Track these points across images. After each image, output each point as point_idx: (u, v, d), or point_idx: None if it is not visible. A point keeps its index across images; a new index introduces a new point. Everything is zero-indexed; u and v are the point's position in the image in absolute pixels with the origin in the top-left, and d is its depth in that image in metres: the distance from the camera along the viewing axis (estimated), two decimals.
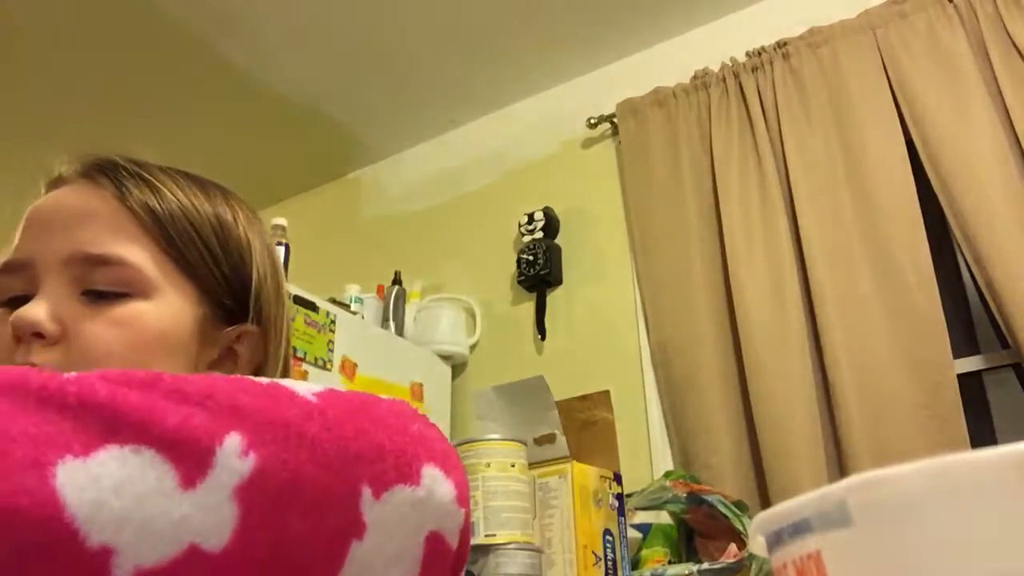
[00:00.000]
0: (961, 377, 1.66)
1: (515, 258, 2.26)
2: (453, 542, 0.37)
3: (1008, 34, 1.74)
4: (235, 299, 0.59)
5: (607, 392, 1.87)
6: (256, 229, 0.63)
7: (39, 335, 0.51)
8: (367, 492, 0.33)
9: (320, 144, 2.69)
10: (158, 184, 0.58)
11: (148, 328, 0.53)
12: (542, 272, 2.18)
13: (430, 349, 2.21)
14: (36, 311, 0.51)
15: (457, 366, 2.29)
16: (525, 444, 1.34)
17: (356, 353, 1.93)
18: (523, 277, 2.22)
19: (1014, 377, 1.73)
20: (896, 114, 1.83)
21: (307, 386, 0.37)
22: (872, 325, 1.69)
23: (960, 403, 1.59)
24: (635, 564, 1.51)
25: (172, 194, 0.58)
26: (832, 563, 0.24)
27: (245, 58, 2.33)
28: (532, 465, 1.37)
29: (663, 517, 1.63)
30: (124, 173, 0.57)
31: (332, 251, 2.64)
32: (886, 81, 1.86)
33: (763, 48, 2.03)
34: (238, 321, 0.59)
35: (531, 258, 2.20)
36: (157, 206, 0.57)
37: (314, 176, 2.86)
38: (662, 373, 1.94)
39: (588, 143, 2.34)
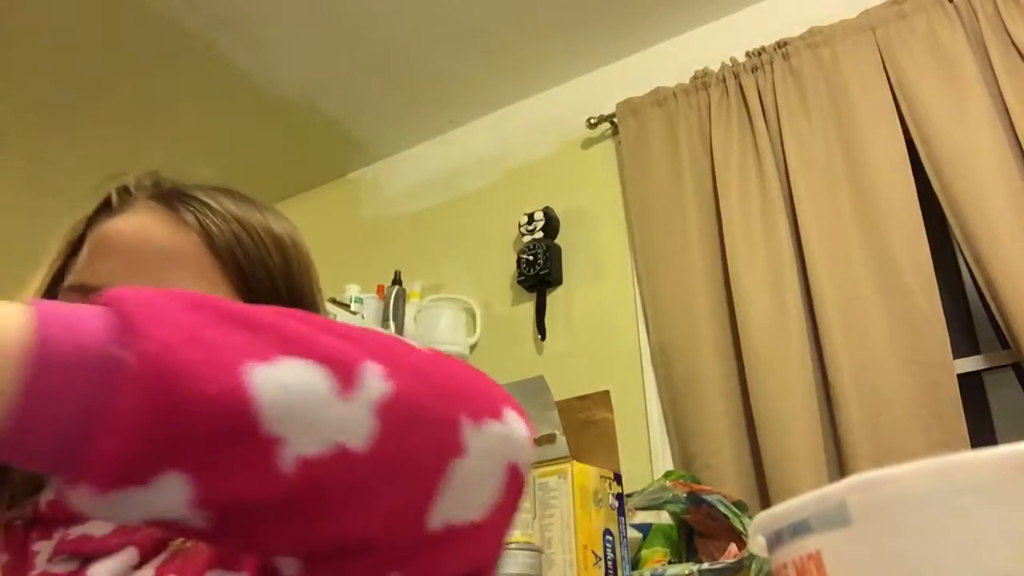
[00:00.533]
0: (961, 377, 1.66)
1: (515, 258, 2.26)
2: (524, 474, 0.43)
3: (1008, 34, 1.74)
4: None
5: (607, 392, 1.86)
6: (307, 258, 0.66)
7: None
8: (467, 422, 0.39)
9: (320, 144, 2.69)
10: (240, 225, 0.60)
11: None
12: (542, 272, 2.18)
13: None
14: None
15: None
16: None
17: None
18: (523, 277, 2.22)
19: (1014, 377, 1.73)
20: (896, 114, 1.83)
21: (417, 343, 0.45)
22: (872, 325, 1.69)
23: (960, 403, 1.59)
24: (635, 564, 1.51)
25: (251, 237, 0.61)
26: (832, 563, 0.24)
27: (244, 58, 2.33)
28: (532, 465, 1.37)
29: (663, 517, 1.63)
30: (208, 211, 0.59)
31: (332, 251, 2.63)
32: (886, 81, 1.86)
33: (763, 48, 2.03)
34: None
35: (531, 258, 2.20)
36: (240, 252, 0.59)
37: (314, 176, 2.86)
38: (662, 373, 1.94)
39: (588, 143, 2.34)
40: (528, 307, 2.24)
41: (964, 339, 1.79)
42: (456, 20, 2.22)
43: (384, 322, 2.23)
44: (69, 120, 2.52)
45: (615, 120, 2.24)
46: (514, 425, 0.43)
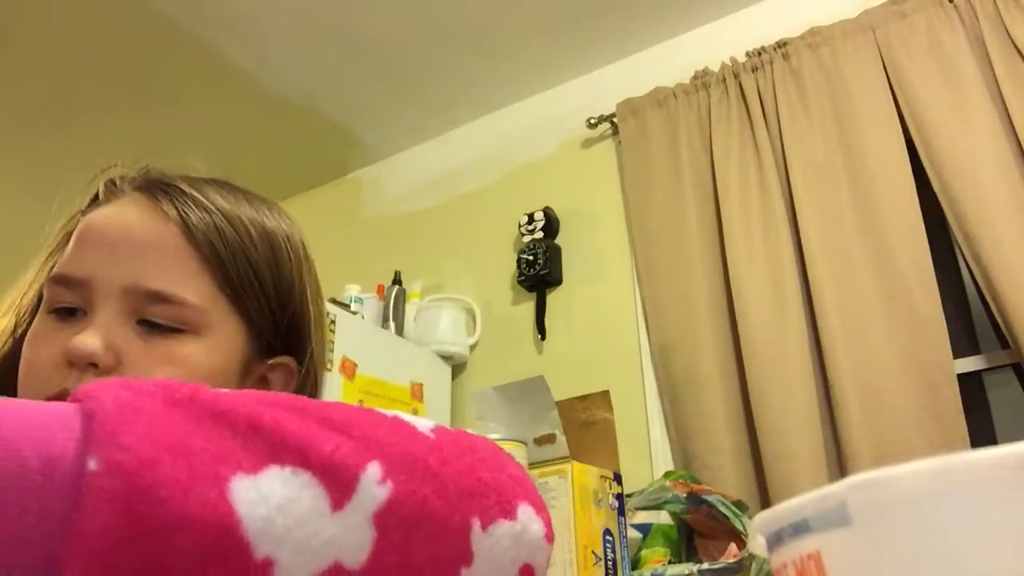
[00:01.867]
0: (961, 377, 1.66)
1: (515, 258, 2.26)
2: (541, 572, 0.40)
3: (1008, 34, 1.74)
4: (277, 333, 0.61)
5: (607, 392, 1.86)
6: (303, 255, 0.64)
7: (94, 365, 0.52)
8: (476, 524, 0.36)
9: (320, 144, 2.69)
10: (223, 217, 0.59)
11: (200, 367, 0.55)
12: (542, 272, 2.18)
13: (430, 349, 2.21)
14: (94, 342, 0.52)
15: (457, 366, 2.29)
16: (525, 444, 1.34)
17: (356, 353, 1.93)
18: (523, 277, 2.22)
19: (1014, 377, 1.73)
20: (896, 114, 1.83)
21: (421, 421, 0.40)
22: (872, 325, 1.69)
23: (960, 403, 1.59)
24: (635, 564, 1.51)
25: (234, 229, 0.59)
26: (832, 563, 0.24)
27: (245, 58, 2.33)
28: (532, 465, 1.37)
29: (663, 517, 1.63)
30: (189, 202, 0.59)
31: (332, 251, 2.64)
32: (886, 81, 1.86)
33: (763, 48, 2.03)
34: (276, 352, 0.62)
35: (531, 258, 2.20)
36: (220, 243, 0.58)
37: (314, 176, 2.86)
38: (662, 373, 1.94)
39: (588, 143, 2.34)
40: (528, 307, 2.24)
41: (964, 339, 1.79)
42: (456, 20, 2.21)
43: (384, 322, 2.23)
44: (69, 120, 2.52)
45: (615, 120, 2.24)
46: (528, 523, 0.39)
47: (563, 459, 1.41)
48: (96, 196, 0.63)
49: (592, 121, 2.27)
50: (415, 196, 2.64)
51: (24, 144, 2.61)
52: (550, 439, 1.44)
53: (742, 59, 2.06)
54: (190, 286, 0.56)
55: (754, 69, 2.03)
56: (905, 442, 1.58)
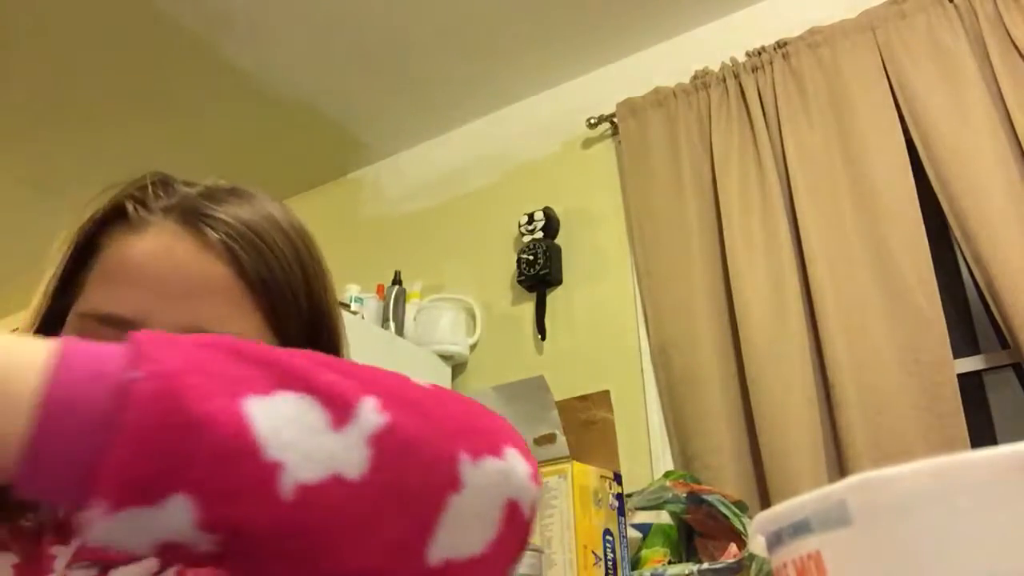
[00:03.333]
0: (961, 377, 1.66)
1: (515, 258, 2.26)
2: (527, 512, 0.44)
3: (1008, 34, 1.74)
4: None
5: (607, 392, 1.86)
6: (322, 266, 0.66)
7: None
8: (465, 457, 0.40)
9: (320, 144, 2.69)
10: (268, 250, 0.59)
11: None
12: (542, 272, 2.18)
13: (430, 349, 2.21)
14: None
15: (457, 366, 2.29)
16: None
17: (356, 353, 1.92)
18: (523, 277, 2.22)
19: (1014, 377, 1.73)
20: (896, 114, 1.83)
21: (422, 379, 0.45)
22: (872, 325, 1.69)
23: (960, 403, 1.59)
24: (635, 564, 1.51)
25: (278, 260, 0.60)
26: (832, 563, 0.24)
27: (245, 58, 2.33)
28: None
29: (663, 517, 1.63)
30: (233, 233, 0.58)
31: (332, 251, 2.60)
32: (886, 81, 1.86)
33: (763, 48, 2.03)
34: None
35: (531, 258, 2.20)
36: (269, 277, 0.59)
37: (314, 176, 2.86)
38: (662, 373, 1.94)
39: (588, 143, 2.34)
40: (528, 307, 2.24)
41: (964, 339, 1.79)
42: (456, 20, 2.21)
43: (384, 322, 2.23)
44: (69, 120, 2.52)
45: (615, 120, 2.24)
46: (515, 462, 0.43)
47: (563, 459, 1.41)
48: (119, 213, 0.60)
49: (592, 121, 2.27)
50: (415, 196, 2.64)
51: (23, 144, 2.61)
52: (550, 439, 1.44)
53: (742, 59, 2.06)
54: (243, 324, 0.57)
55: (754, 69, 2.03)
56: (905, 442, 1.58)
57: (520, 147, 2.46)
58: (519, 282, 2.24)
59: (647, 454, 1.90)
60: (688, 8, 2.20)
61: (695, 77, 2.11)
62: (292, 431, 0.35)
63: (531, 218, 2.25)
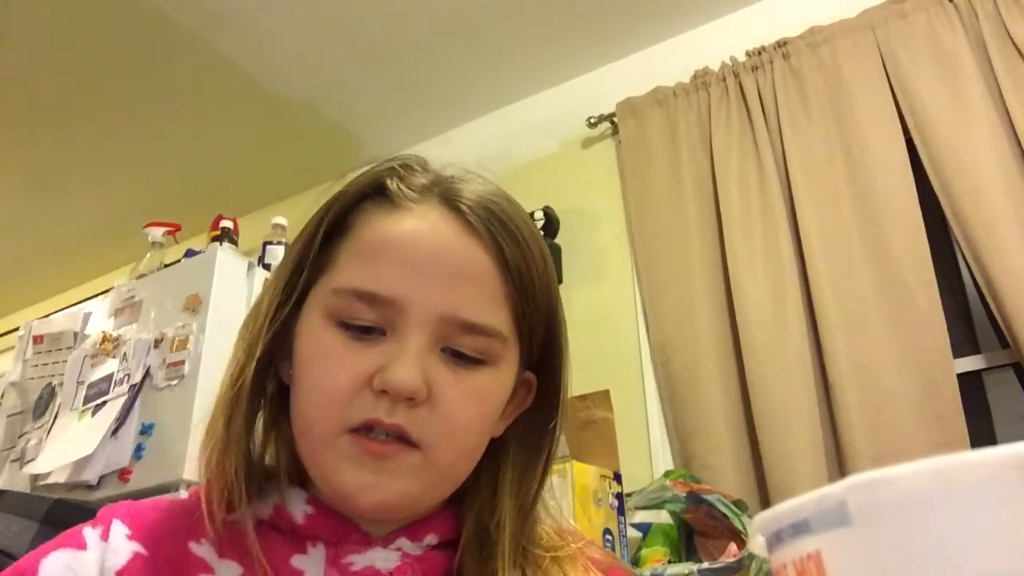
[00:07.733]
0: (961, 377, 1.66)
1: None
2: None
3: (1008, 34, 1.74)
4: (532, 351, 0.60)
5: (607, 392, 1.86)
6: (555, 280, 0.62)
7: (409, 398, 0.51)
8: None
9: (319, 144, 2.69)
10: (528, 247, 0.57)
11: (496, 400, 0.56)
12: None
13: None
14: (416, 378, 0.51)
15: None
16: None
17: None
18: None
19: (1014, 377, 1.73)
20: (896, 114, 1.83)
21: None
22: (872, 324, 1.69)
23: (960, 403, 1.59)
24: (635, 563, 1.51)
25: (533, 254, 0.57)
26: (832, 563, 0.24)
27: (245, 58, 2.33)
28: None
29: (663, 517, 1.63)
30: (499, 225, 0.56)
31: None
32: (886, 81, 1.86)
33: (763, 48, 2.03)
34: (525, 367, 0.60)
35: None
36: (526, 272, 0.56)
37: (314, 176, 2.85)
38: (662, 373, 1.94)
39: (588, 143, 2.34)
40: None
41: (964, 339, 1.79)
42: (456, 20, 2.21)
43: None
44: (69, 120, 2.52)
45: (615, 120, 2.24)
46: None
47: (563, 459, 1.41)
48: (379, 190, 0.58)
49: (592, 121, 2.27)
50: None
51: (23, 144, 2.61)
52: None
53: (742, 58, 2.06)
54: (499, 317, 0.54)
55: (754, 69, 2.03)
56: (905, 442, 1.58)
57: (520, 146, 2.46)
58: None
59: (647, 454, 1.89)
60: (688, 8, 2.20)
61: (695, 76, 2.12)
62: None
63: (531, 217, 2.25)
